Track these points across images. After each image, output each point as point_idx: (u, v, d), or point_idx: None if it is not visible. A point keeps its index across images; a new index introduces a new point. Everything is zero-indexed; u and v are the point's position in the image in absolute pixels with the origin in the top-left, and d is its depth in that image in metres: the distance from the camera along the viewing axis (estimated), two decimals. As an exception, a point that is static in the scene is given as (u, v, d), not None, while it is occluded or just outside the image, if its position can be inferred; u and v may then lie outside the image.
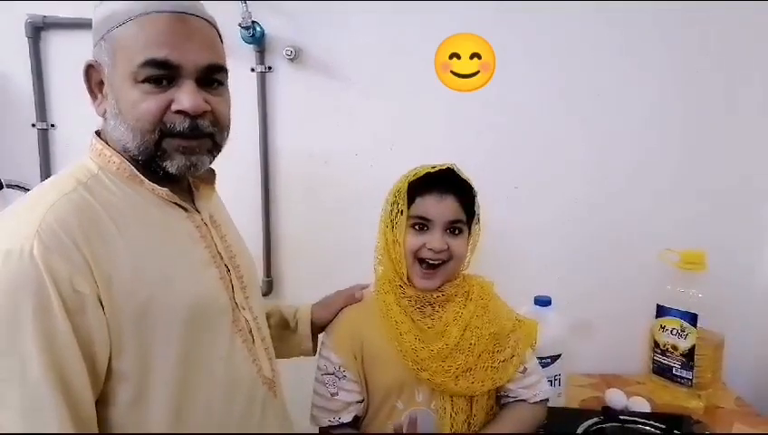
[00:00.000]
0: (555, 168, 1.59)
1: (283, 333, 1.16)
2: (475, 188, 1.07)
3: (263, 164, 1.58)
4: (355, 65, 1.55)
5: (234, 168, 1.54)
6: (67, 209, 0.73)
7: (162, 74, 0.77)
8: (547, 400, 1.12)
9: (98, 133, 0.85)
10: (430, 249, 1.03)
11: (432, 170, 1.05)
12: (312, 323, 1.16)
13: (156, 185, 0.82)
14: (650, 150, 1.57)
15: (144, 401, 0.77)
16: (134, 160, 0.82)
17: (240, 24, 1.42)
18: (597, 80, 1.55)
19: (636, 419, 1.20)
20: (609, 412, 1.20)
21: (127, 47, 0.77)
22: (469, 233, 1.08)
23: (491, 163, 1.58)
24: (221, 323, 0.86)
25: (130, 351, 0.75)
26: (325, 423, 1.07)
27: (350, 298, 1.15)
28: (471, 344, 1.06)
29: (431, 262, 1.03)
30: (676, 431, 1.12)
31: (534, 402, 1.11)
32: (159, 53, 0.76)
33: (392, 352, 1.05)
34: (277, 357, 1.13)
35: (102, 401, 0.75)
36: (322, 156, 1.59)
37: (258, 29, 1.46)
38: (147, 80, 0.77)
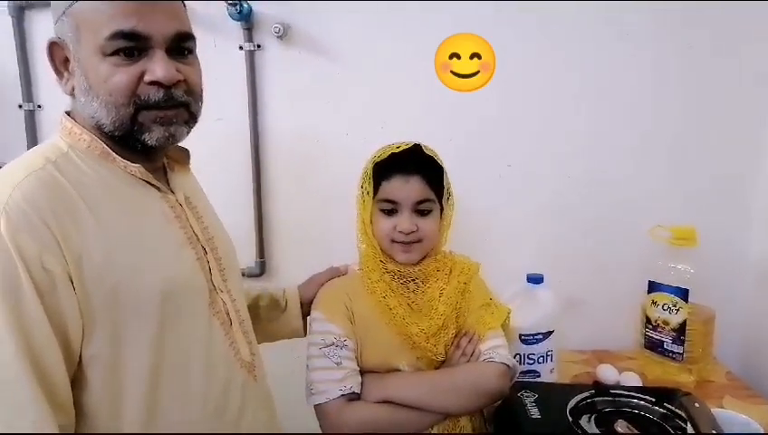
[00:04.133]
0: (548, 146, 1.58)
1: (273, 314, 1.16)
2: (442, 164, 1.07)
3: (253, 144, 1.57)
4: (346, 43, 1.53)
5: (223, 148, 1.55)
6: (35, 187, 0.72)
7: (131, 46, 0.75)
8: (507, 367, 1.06)
9: (68, 113, 0.83)
10: (400, 232, 1.04)
11: (397, 150, 1.05)
12: (301, 303, 1.17)
13: (128, 162, 0.80)
14: (643, 131, 1.56)
15: (117, 386, 0.76)
16: (108, 138, 0.80)
17: (227, 2, 1.40)
18: (591, 63, 1.54)
19: (626, 393, 1.20)
20: (599, 387, 1.21)
21: (91, 20, 0.75)
22: (442, 208, 1.09)
23: (484, 142, 1.58)
24: (197, 306, 0.85)
25: (102, 334, 0.74)
26: (337, 394, 1.01)
27: (335, 271, 1.17)
28: (454, 321, 1.10)
29: (404, 242, 1.05)
30: (666, 404, 1.13)
31: (487, 361, 1.06)
32: (127, 24, 0.74)
33: (380, 326, 1.07)
34: (269, 340, 1.15)
35: (73, 386, 0.74)
36: (313, 135, 1.58)
37: (245, 6, 1.44)
38: (116, 52, 0.75)
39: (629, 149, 1.57)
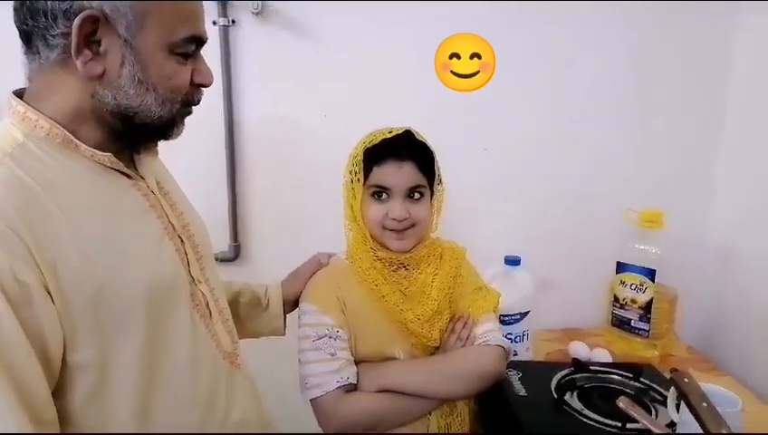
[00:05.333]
0: (522, 131, 1.61)
1: (253, 312, 1.13)
2: (432, 149, 1.07)
3: (227, 124, 1.51)
4: (324, 20, 1.49)
5: (196, 128, 1.48)
6: None
7: (194, 50, 0.77)
8: (503, 350, 1.07)
9: (18, 94, 0.75)
10: (393, 218, 1.03)
11: (389, 136, 1.04)
12: (284, 302, 1.14)
13: (96, 150, 0.74)
14: (613, 120, 1.62)
15: (107, 392, 0.73)
16: (73, 122, 0.73)
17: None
18: (564, 51, 1.57)
19: (604, 369, 1.26)
20: (578, 364, 1.26)
21: (166, 14, 0.72)
22: (432, 193, 1.08)
23: (460, 125, 1.58)
24: (180, 301, 0.81)
25: (87, 340, 0.70)
26: (334, 386, 0.99)
27: (317, 265, 1.14)
28: (447, 306, 1.10)
29: (397, 229, 1.04)
30: (642, 379, 1.19)
31: (483, 344, 1.07)
32: (200, 30, 0.76)
33: (374, 315, 1.06)
34: (247, 336, 1.11)
35: (57, 394, 0.69)
36: (290, 116, 1.54)
37: (221, -21, 1.38)
38: (181, 53, 0.75)
39: (600, 137, 1.62)
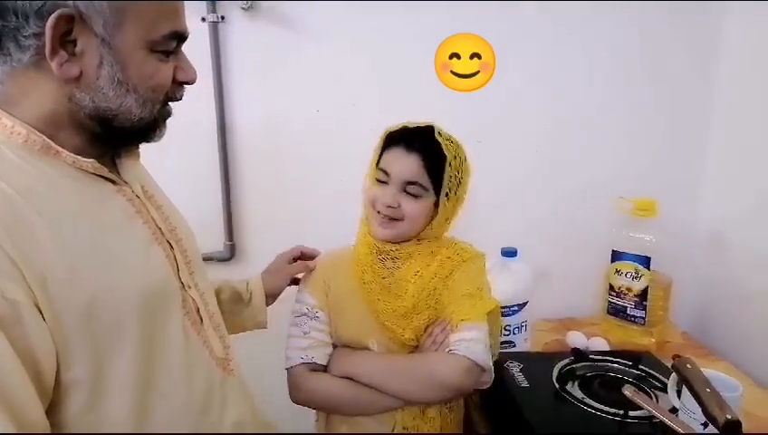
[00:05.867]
0: (516, 122, 1.61)
1: (235, 308, 1.12)
2: (451, 156, 1.02)
3: (219, 122, 1.50)
4: (316, 16, 1.48)
5: (187, 127, 1.47)
6: None
7: (177, 46, 0.74)
8: (473, 363, 0.98)
9: None
10: (382, 203, 1.03)
11: (410, 125, 1.04)
12: (266, 295, 1.14)
13: (78, 156, 0.71)
14: (606, 110, 1.63)
15: (100, 406, 0.69)
16: (54, 128, 0.70)
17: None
18: (558, 45, 1.57)
19: (603, 357, 1.27)
20: (578, 353, 1.27)
21: (144, 11, 0.69)
22: (438, 203, 1.04)
23: (453, 118, 1.57)
24: (172, 309, 0.79)
25: (81, 355, 0.67)
26: (298, 361, 1.07)
27: (295, 254, 1.18)
28: (429, 306, 1.06)
29: (383, 215, 1.04)
30: (641, 366, 1.21)
31: (451, 352, 1.00)
32: (181, 26, 0.73)
33: (355, 302, 1.07)
34: (231, 332, 1.06)
35: (50, 411, 0.66)
36: (283, 113, 1.53)
37: (209, -25, 1.37)
38: (162, 50, 0.72)
39: (592, 127, 1.63)
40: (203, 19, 1.43)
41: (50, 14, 0.64)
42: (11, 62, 0.68)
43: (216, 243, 1.55)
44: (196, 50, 1.41)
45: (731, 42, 1.57)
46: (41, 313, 0.63)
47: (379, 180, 1.05)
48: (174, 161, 1.43)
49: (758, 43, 1.48)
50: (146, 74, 0.71)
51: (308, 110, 1.53)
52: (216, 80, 1.47)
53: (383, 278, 1.07)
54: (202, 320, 0.85)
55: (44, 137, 0.69)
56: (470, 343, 0.99)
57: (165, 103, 0.76)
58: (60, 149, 0.70)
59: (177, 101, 0.78)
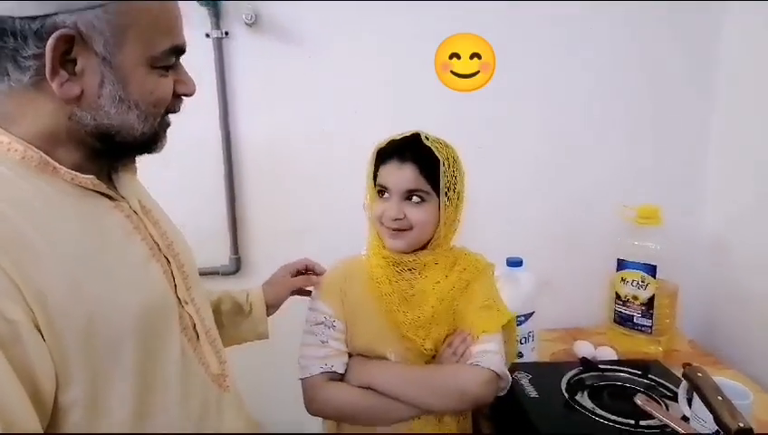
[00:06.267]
0: (517, 130, 1.62)
1: (236, 319, 1.11)
2: (440, 156, 1.03)
3: (224, 136, 1.51)
4: (317, 30, 1.50)
5: (192, 141, 1.48)
6: None
7: (176, 60, 0.74)
8: (494, 374, 1.02)
9: None
10: (388, 217, 1.04)
11: (397, 138, 1.06)
12: (267, 305, 1.13)
13: (76, 173, 0.70)
14: (608, 118, 1.64)
15: (97, 426, 0.68)
16: (51, 144, 0.70)
17: (194, -14, 1.33)
18: (558, 52, 1.59)
19: (612, 367, 1.27)
20: (587, 363, 1.27)
21: (144, 28, 0.69)
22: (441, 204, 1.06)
23: (453, 126, 1.57)
24: (169, 325, 0.78)
25: (80, 375, 0.66)
26: (317, 371, 1.06)
27: (306, 281, 1.16)
28: (447, 317, 1.08)
29: (392, 228, 1.05)
30: (651, 375, 1.20)
31: (473, 364, 1.03)
32: (180, 40, 0.73)
33: (371, 312, 1.07)
34: (232, 343, 1.08)
35: (47, 430, 0.65)
36: (287, 126, 1.54)
37: (214, -9, 1.38)
38: (162, 65, 0.72)
39: (595, 136, 1.64)
40: (207, 35, 1.45)
41: (49, 35, 0.63)
42: (8, 81, 0.67)
43: (222, 257, 1.55)
44: (200, 65, 1.46)
45: (730, 47, 1.58)
46: (40, 332, 0.62)
47: (380, 194, 1.07)
48: (179, 175, 1.45)
49: (757, 47, 1.49)
50: (147, 90, 0.72)
51: (312, 122, 1.54)
52: (221, 94, 1.48)
53: (403, 290, 1.08)
54: (198, 336, 0.84)
55: (41, 153, 0.68)
56: (491, 355, 1.03)
57: (165, 115, 0.77)
58: (57, 165, 0.69)
59: (176, 112, 0.79)
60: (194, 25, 1.43)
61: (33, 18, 0.63)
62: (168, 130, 0.79)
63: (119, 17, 0.66)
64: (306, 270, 1.18)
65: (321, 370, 1.06)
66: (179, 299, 0.81)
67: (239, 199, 1.56)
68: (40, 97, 0.68)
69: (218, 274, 1.54)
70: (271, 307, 1.14)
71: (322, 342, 1.07)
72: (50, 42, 0.63)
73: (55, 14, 0.63)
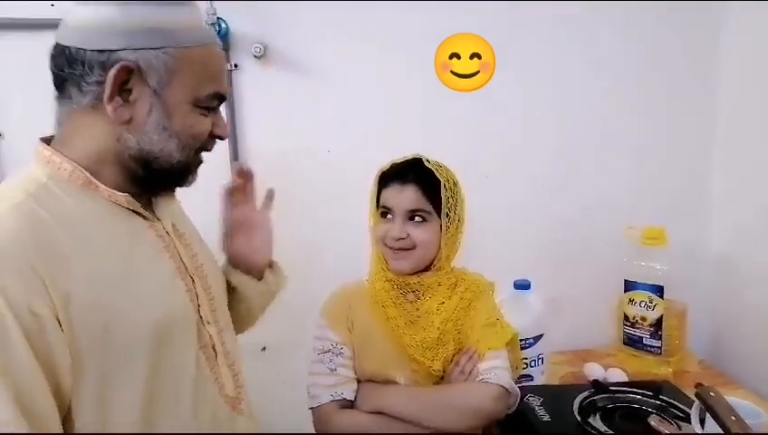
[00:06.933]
0: (522, 154, 1.65)
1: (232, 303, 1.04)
2: (441, 178, 1.07)
3: (232, 164, 1.53)
4: (325, 61, 1.54)
5: (204, 170, 1.50)
6: (18, 225, 0.69)
7: (217, 104, 0.83)
8: (504, 389, 1.03)
9: (44, 140, 0.80)
10: (391, 237, 1.07)
11: (399, 161, 1.11)
12: (236, 264, 1.05)
13: (114, 191, 0.78)
14: (613, 140, 1.66)
15: (103, 428, 0.73)
16: (97, 166, 0.77)
17: (205, 22, 1.37)
18: (559, 73, 1.62)
19: (623, 389, 1.27)
20: (598, 385, 1.27)
21: (195, 72, 0.78)
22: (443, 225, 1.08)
23: (462, 154, 1.60)
24: (186, 341, 0.83)
25: (89, 377, 0.72)
26: (327, 399, 1.06)
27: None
28: (453, 337, 1.09)
29: (396, 248, 1.07)
30: (662, 396, 1.20)
31: (483, 381, 1.04)
32: (223, 88, 0.82)
33: (378, 337, 1.09)
34: (251, 319, 1.09)
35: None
36: (294, 154, 1.56)
37: (223, 26, 1.42)
38: (204, 106, 0.80)
39: (599, 157, 1.67)
40: (217, 67, 1.48)
41: (112, 66, 0.73)
42: (71, 104, 0.76)
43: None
44: None
45: (730, 65, 1.60)
46: (61, 327, 0.69)
47: (383, 216, 1.09)
48: (190, 204, 1.46)
49: (759, 60, 1.51)
50: (188, 124, 0.79)
51: (318, 146, 1.57)
52: (230, 123, 1.51)
53: (408, 312, 1.09)
54: (216, 356, 0.87)
55: (87, 173, 0.76)
56: (499, 371, 1.05)
57: (198, 152, 0.84)
58: (98, 184, 0.77)
59: (209, 151, 0.87)
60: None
61: (102, 51, 0.73)
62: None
63: (174, 60, 0.76)
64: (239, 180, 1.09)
65: (332, 398, 1.06)
66: (201, 317, 0.86)
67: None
68: (94, 118, 0.76)
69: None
70: (242, 262, 1.05)
71: (331, 370, 1.08)
72: (113, 70, 0.73)
73: (122, 49, 0.73)
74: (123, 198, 0.79)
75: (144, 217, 0.83)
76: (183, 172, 0.83)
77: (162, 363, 0.77)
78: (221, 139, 0.86)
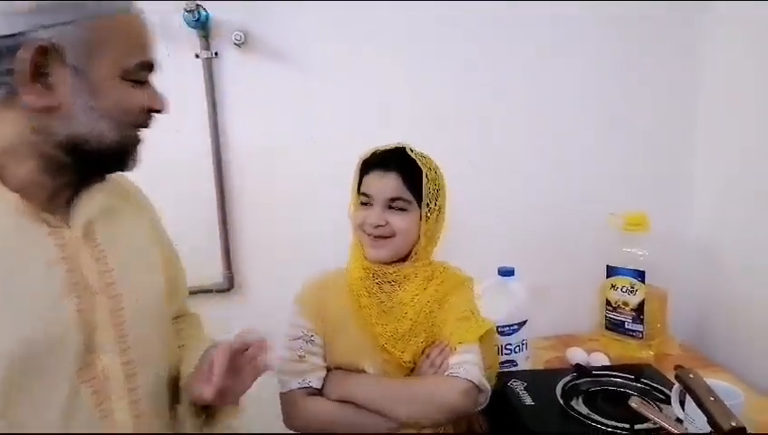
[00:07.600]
0: (506, 143, 1.65)
1: None
2: (426, 168, 1.07)
3: (215, 155, 1.52)
4: (305, 48, 1.52)
5: (184, 161, 1.49)
6: None
7: (147, 75, 0.77)
8: (473, 385, 1.02)
9: None
10: (369, 224, 1.07)
11: (381, 149, 1.11)
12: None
13: (6, 190, 0.69)
14: (596, 127, 1.66)
15: None
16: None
17: (184, 8, 1.35)
18: (543, 65, 1.62)
19: (605, 372, 1.28)
20: (581, 369, 1.28)
21: (115, 43, 0.72)
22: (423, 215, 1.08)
23: (447, 139, 1.61)
24: (58, 367, 0.71)
25: None
26: (294, 386, 1.07)
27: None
28: (425, 329, 1.09)
29: (374, 235, 1.07)
30: (643, 379, 1.22)
31: (451, 375, 1.03)
32: (149, 56, 0.76)
33: (350, 325, 1.09)
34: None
35: None
36: (276, 144, 1.55)
37: (203, 12, 1.40)
38: (133, 79, 0.75)
39: (581, 144, 1.67)
40: (197, 55, 1.46)
41: (22, 50, 0.66)
42: None
43: (215, 273, 1.56)
44: (190, 85, 1.47)
45: (712, 56, 1.61)
46: None
47: (362, 203, 1.09)
48: (170, 194, 1.44)
49: (744, 52, 1.52)
50: (117, 100, 0.73)
51: (303, 136, 1.56)
52: (211, 113, 1.49)
53: (381, 302, 1.09)
54: (113, 389, 0.77)
55: None
56: (469, 366, 1.04)
57: (135, 129, 0.78)
58: None
59: (146, 127, 0.80)
60: (183, 46, 1.45)
61: (9, 36, 0.66)
62: (140, 147, 0.80)
63: (90, 32, 0.69)
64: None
65: (299, 385, 1.07)
66: (94, 345, 0.75)
67: (230, 216, 1.56)
68: (6, 112, 0.70)
69: (212, 291, 1.54)
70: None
71: (300, 357, 1.08)
72: (23, 54, 0.66)
73: (30, 30, 0.66)
74: (13, 197, 0.70)
75: (46, 223, 0.73)
76: (119, 154, 0.76)
77: (19, 394, 0.68)
78: (158, 112, 0.79)
